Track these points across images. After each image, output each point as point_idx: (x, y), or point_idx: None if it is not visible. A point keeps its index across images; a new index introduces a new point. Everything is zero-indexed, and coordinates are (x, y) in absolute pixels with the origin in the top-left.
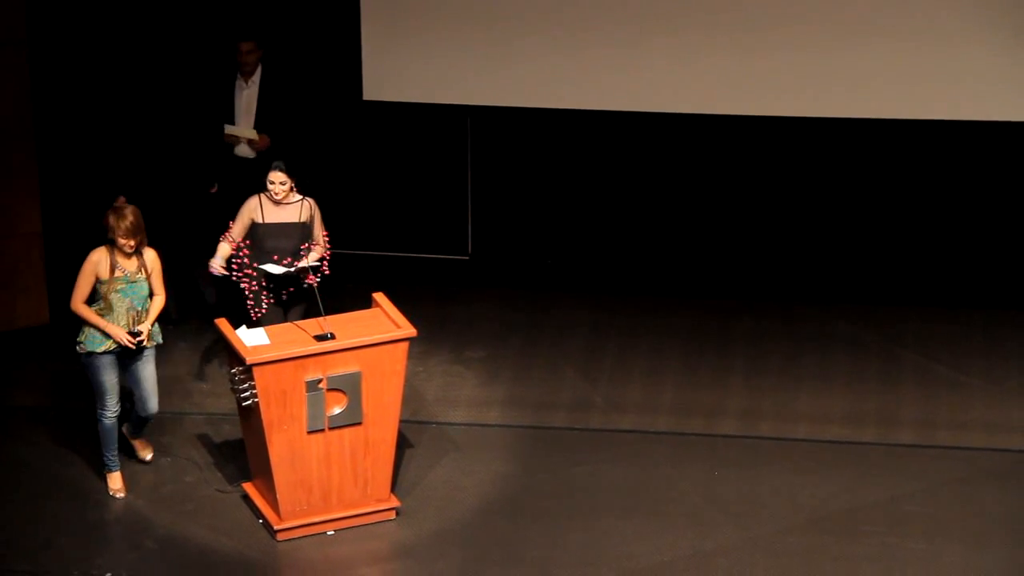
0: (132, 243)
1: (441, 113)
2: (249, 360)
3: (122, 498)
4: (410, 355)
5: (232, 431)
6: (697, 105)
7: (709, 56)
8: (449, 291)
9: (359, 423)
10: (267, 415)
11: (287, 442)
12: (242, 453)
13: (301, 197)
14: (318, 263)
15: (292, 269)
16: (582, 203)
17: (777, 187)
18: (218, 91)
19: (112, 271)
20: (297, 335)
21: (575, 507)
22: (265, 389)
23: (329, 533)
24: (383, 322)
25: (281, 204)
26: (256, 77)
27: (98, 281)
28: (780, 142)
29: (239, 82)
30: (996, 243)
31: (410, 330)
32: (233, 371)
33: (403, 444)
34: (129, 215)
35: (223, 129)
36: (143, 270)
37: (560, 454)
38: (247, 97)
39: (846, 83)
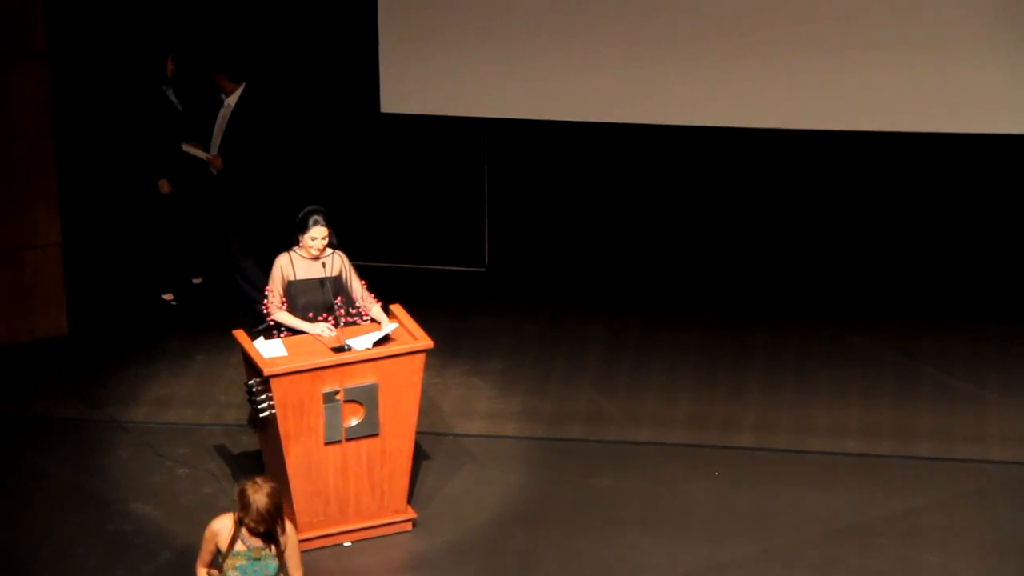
0: (261, 529)
1: (458, 125)
2: (266, 371)
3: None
4: (427, 367)
5: (249, 442)
6: (712, 118)
7: (724, 70)
8: (466, 303)
9: (376, 435)
10: (284, 426)
11: (304, 453)
12: (259, 464)
13: (332, 250)
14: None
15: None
16: (598, 215)
17: (793, 200)
18: (204, 103)
19: (232, 544)
20: (314, 347)
21: (591, 519)
22: (282, 400)
23: (346, 544)
24: (400, 334)
25: (314, 259)
26: (232, 99)
27: (218, 551)
28: (796, 155)
29: (223, 98)
30: (1012, 256)
31: (427, 342)
32: (250, 382)
33: (420, 456)
34: (265, 497)
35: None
36: (273, 546)
37: (576, 466)
38: (222, 115)
39: (862, 96)
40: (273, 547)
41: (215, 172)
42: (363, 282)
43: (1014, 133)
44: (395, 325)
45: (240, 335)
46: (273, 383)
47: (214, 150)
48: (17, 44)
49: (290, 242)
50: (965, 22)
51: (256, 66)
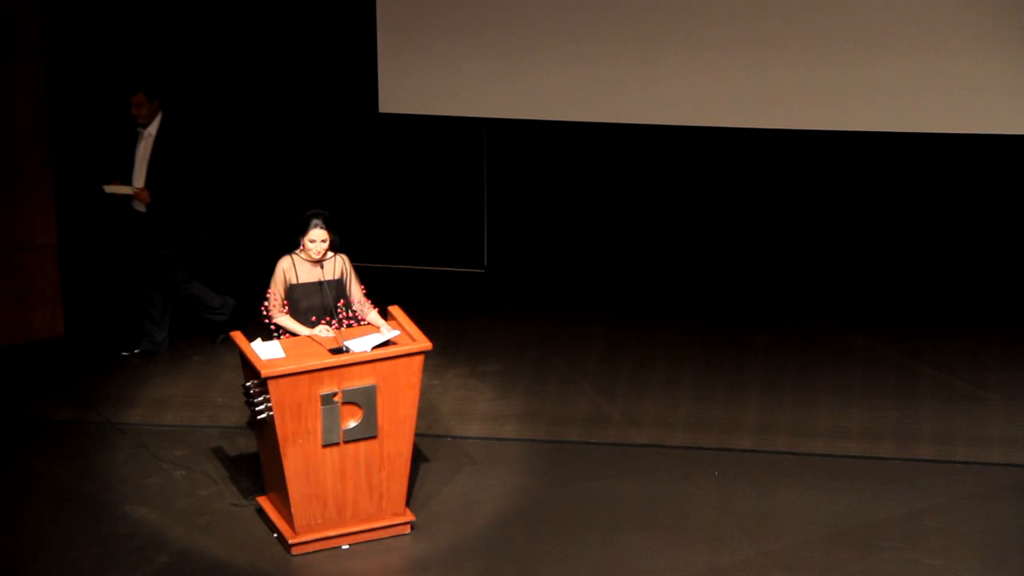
0: None
1: (457, 125)
2: (264, 373)
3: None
4: (425, 368)
5: (247, 444)
6: (714, 118)
7: (725, 70)
8: (465, 304)
9: (374, 437)
10: (282, 428)
11: (302, 456)
12: (257, 466)
13: (333, 253)
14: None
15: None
16: (598, 216)
17: (794, 201)
18: (122, 139)
19: None
20: (312, 348)
21: (590, 522)
22: (280, 402)
23: (344, 547)
24: (400, 339)
25: (316, 262)
26: (153, 128)
27: None
28: (798, 156)
29: (139, 131)
30: (1014, 258)
31: (425, 343)
32: (248, 384)
33: (418, 458)
34: None
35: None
36: None
37: (576, 468)
38: (142, 148)
39: (864, 97)
40: None
41: (143, 207)
42: (363, 287)
43: (1016, 134)
44: (397, 332)
45: (238, 337)
46: (271, 385)
47: (138, 183)
48: (12, 43)
49: (292, 245)
50: (969, 21)
51: (254, 67)
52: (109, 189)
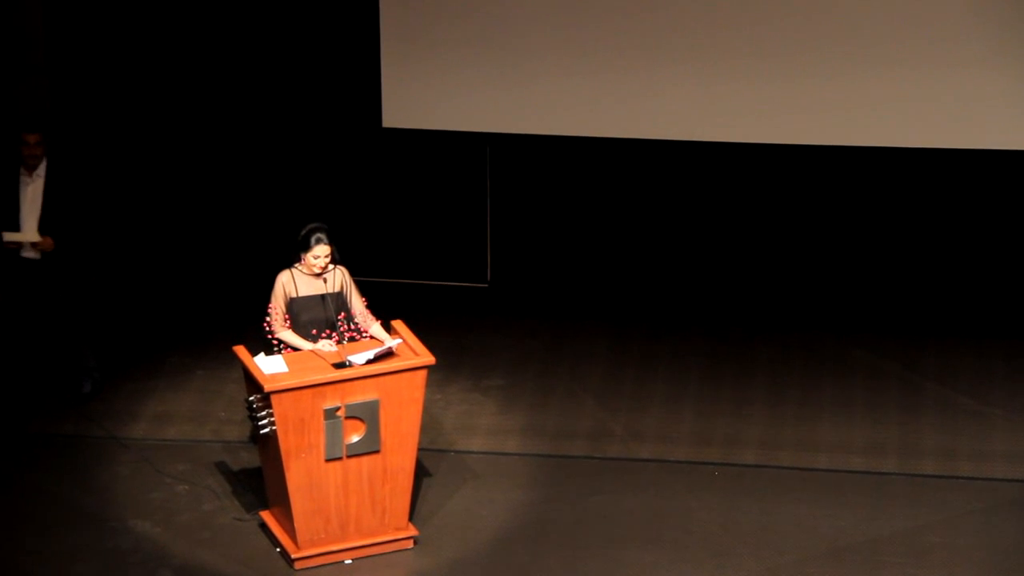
0: None
1: (460, 141)
2: (267, 388)
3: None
4: (428, 383)
5: (250, 459)
6: (717, 133)
7: (727, 84)
8: (468, 319)
9: (377, 451)
10: (285, 443)
11: (305, 470)
12: (260, 481)
13: (333, 266)
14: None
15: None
16: (601, 231)
17: (796, 216)
18: (5, 181)
19: None
20: (315, 363)
21: (593, 536)
22: (283, 417)
23: (347, 562)
24: (402, 349)
25: (317, 275)
26: (41, 170)
27: None
28: (800, 170)
29: (23, 176)
30: (1017, 271)
31: (429, 358)
32: (251, 398)
33: (421, 472)
34: None
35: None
36: None
37: (578, 483)
38: (32, 192)
39: (865, 111)
40: None
41: (40, 254)
42: (364, 299)
43: (1017, 149)
44: (398, 340)
45: (241, 351)
46: (274, 399)
47: (29, 227)
48: (16, 59)
49: (291, 259)
50: (971, 37)
51: (258, 82)
52: (8, 237)
